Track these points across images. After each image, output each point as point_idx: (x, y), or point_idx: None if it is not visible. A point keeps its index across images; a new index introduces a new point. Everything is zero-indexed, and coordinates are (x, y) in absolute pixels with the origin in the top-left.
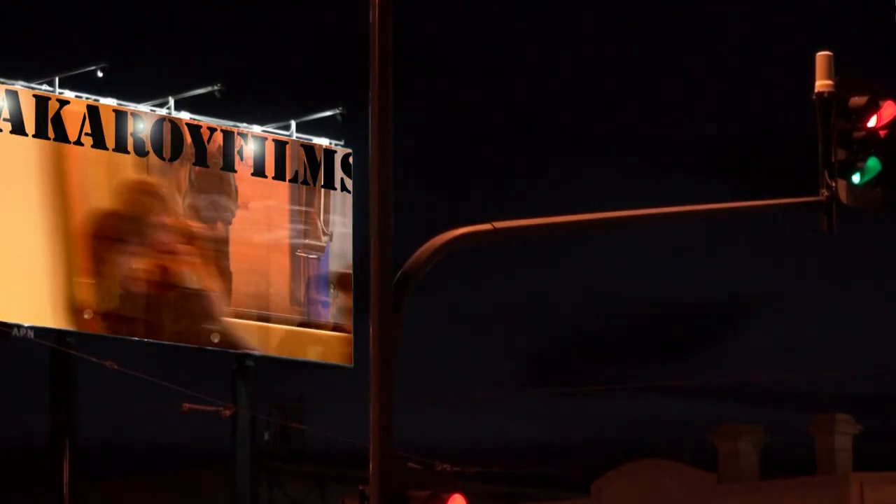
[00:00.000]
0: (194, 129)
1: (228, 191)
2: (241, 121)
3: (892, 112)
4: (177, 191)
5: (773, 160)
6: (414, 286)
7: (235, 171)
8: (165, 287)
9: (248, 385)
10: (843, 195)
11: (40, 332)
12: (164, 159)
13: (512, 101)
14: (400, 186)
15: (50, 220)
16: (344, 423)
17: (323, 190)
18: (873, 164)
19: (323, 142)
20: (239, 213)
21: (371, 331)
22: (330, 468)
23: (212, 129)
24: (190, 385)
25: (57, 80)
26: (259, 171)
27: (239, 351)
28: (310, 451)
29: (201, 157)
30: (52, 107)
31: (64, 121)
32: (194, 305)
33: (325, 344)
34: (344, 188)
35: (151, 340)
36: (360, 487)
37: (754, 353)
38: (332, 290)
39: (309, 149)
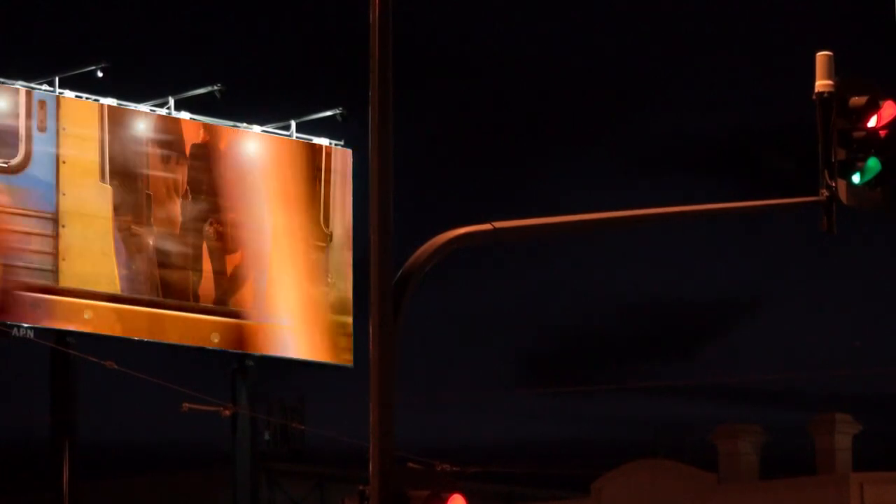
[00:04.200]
0: (194, 128)
1: (228, 190)
2: (241, 121)
3: (892, 112)
4: (175, 190)
5: (773, 160)
6: (414, 286)
7: (236, 172)
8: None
9: (248, 385)
10: (843, 195)
11: (40, 332)
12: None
13: (512, 100)
14: (400, 186)
15: None
16: (344, 423)
17: (323, 190)
18: (873, 164)
19: (323, 142)
20: (240, 212)
21: (371, 330)
22: (330, 468)
23: (212, 129)
24: (190, 385)
25: (57, 80)
26: (259, 171)
27: (239, 351)
28: (310, 451)
29: (201, 157)
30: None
31: None
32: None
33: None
34: (344, 188)
35: (151, 340)
36: (360, 487)
37: (754, 353)
38: (332, 291)
39: (309, 149)
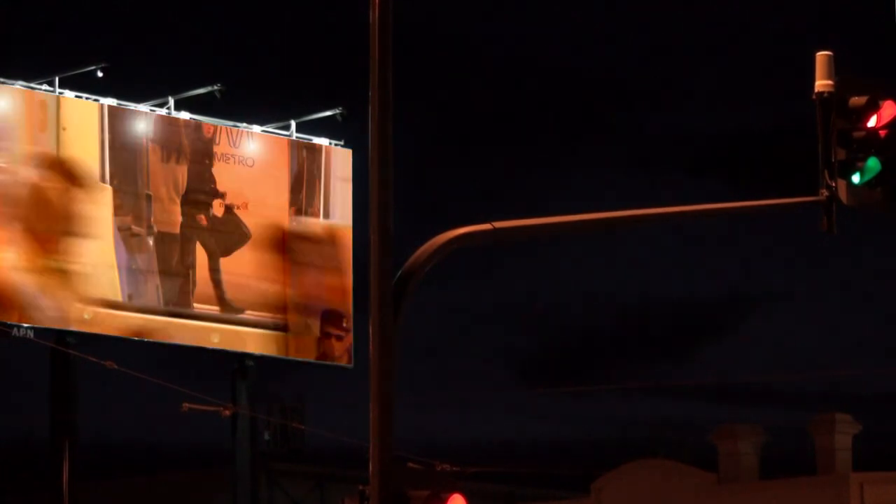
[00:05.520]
0: (193, 128)
1: (227, 190)
2: (241, 121)
3: (892, 112)
4: (175, 190)
5: (773, 160)
6: (414, 286)
7: (235, 172)
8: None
9: (248, 385)
10: (843, 195)
11: (40, 332)
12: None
13: (512, 100)
14: (400, 186)
15: None
16: (344, 423)
17: (323, 190)
18: (873, 164)
19: (323, 142)
20: (238, 212)
21: (371, 330)
22: (330, 468)
23: (211, 129)
24: (190, 385)
25: (57, 80)
26: (259, 171)
27: (239, 351)
28: (310, 451)
29: (201, 157)
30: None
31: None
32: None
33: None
34: (344, 188)
35: (151, 340)
36: (360, 487)
37: (754, 353)
38: (331, 291)
39: (309, 149)
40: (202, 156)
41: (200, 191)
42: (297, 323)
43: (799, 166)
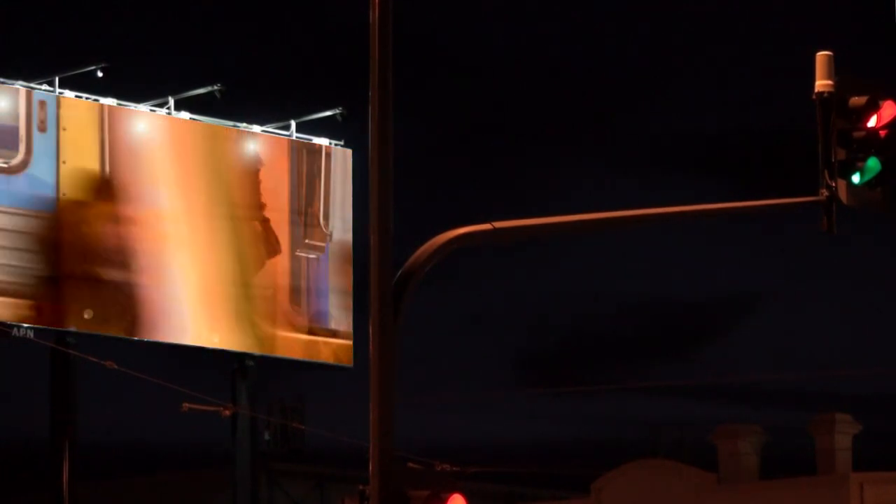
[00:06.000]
0: (194, 129)
1: (227, 191)
2: (241, 121)
3: (892, 112)
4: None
5: (773, 160)
6: (414, 286)
7: (235, 172)
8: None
9: (248, 385)
10: (842, 195)
11: (40, 332)
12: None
13: (512, 100)
14: (400, 186)
15: None
16: (344, 423)
17: (323, 190)
18: (873, 164)
19: (323, 142)
20: (238, 213)
21: (371, 331)
22: (330, 468)
23: (212, 130)
24: (190, 385)
25: (57, 80)
26: (259, 172)
27: (239, 351)
28: (310, 451)
29: (200, 157)
30: None
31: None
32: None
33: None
34: (344, 188)
35: (151, 340)
36: (360, 487)
37: (754, 353)
38: (331, 291)
39: (309, 149)
40: (203, 156)
41: (199, 191)
42: (295, 323)
43: (799, 166)
